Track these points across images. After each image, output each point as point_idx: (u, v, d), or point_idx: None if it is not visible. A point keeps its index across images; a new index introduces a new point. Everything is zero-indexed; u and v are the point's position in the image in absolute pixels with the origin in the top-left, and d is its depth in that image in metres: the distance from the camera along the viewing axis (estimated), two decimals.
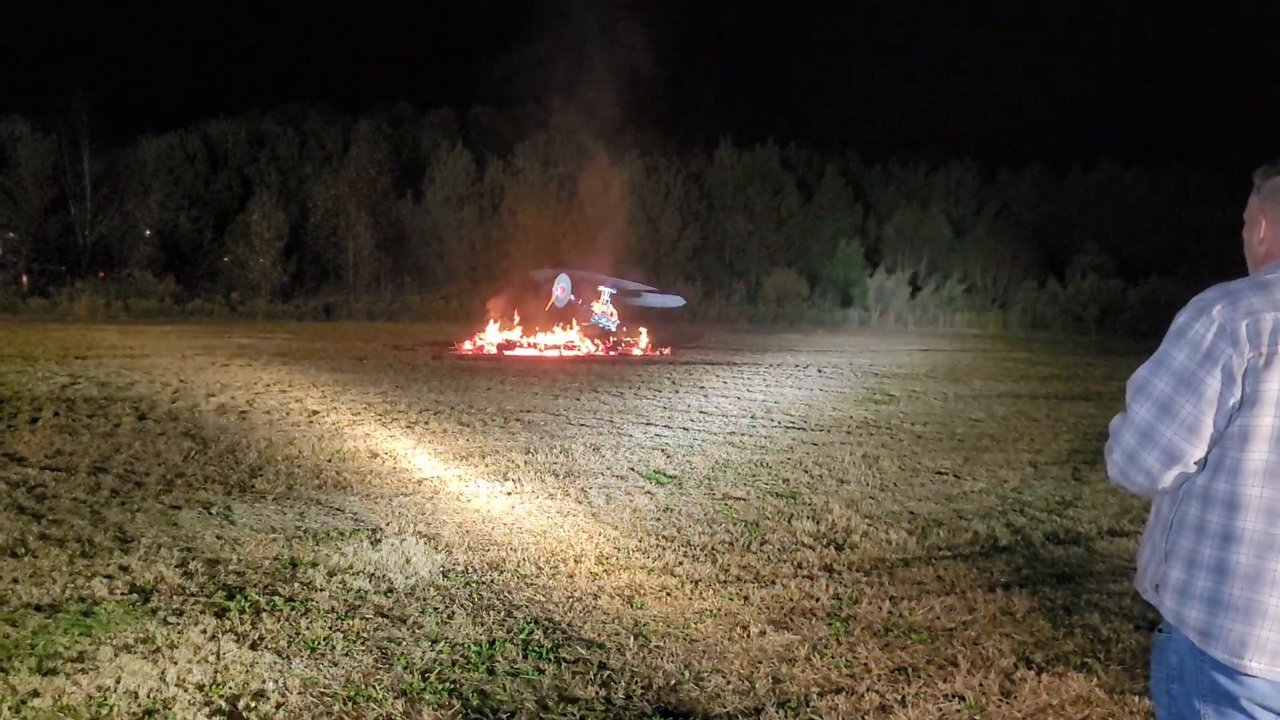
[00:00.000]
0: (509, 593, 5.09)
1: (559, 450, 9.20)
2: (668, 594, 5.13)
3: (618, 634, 4.55)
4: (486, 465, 8.41)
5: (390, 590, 5.07)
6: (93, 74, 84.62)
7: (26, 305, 35.23)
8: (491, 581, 5.27)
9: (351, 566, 5.45)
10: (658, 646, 4.41)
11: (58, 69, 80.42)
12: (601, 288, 24.08)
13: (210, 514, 6.54)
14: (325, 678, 3.96)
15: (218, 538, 5.98)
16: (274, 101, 63.93)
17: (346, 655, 4.19)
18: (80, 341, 21.35)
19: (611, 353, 22.52)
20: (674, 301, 26.31)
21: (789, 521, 6.74)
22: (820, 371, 18.77)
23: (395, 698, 3.81)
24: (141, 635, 4.34)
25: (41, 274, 39.60)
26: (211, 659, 4.11)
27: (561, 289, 23.24)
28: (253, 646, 4.25)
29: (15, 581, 5.00)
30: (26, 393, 12.25)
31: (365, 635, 4.43)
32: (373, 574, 5.32)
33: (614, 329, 23.57)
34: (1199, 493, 2.09)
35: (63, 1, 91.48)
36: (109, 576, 5.12)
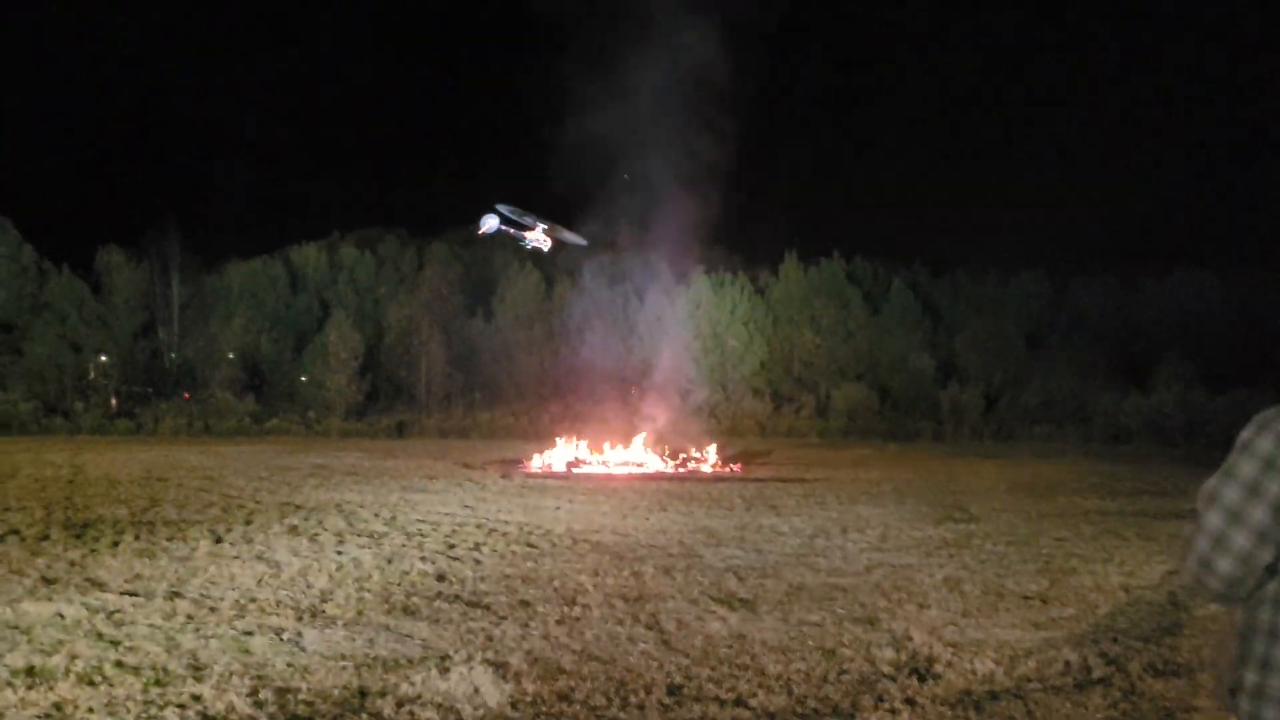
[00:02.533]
0: None
1: (628, 573, 9.05)
2: None
3: None
4: (554, 589, 8.30)
5: None
6: (183, 204, 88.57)
7: (114, 426, 36.28)
8: (560, 713, 5.13)
9: (420, 696, 5.36)
10: None
11: (151, 201, 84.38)
12: (536, 222, 22.97)
13: (281, 640, 6.51)
14: None
15: (288, 665, 5.94)
16: (352, 226, 66.19)
17: None
18: (162, 463, 21.81)
19: (680, 470, 22.36)
20: (579, 240, 25.53)
21: (868, 649, 6.50)
22: (895, 487, 18.40)
23: None
24: None
25: (129, 396, 40.85)
26: None
27: (488, 225, 22.16)
28: None
29: (90, 711, 4.99)
30: (110, 516, 12.48)
31: None
32: (441, 704, 5.22)
33: (544, 248, 22.87)
34: (1271, 597, 2.20)
35: (156, 141, 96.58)
36: (181, 706, 5.09)
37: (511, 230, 22.44)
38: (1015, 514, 14.33)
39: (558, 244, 24.09)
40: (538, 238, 22.47)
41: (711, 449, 24.22)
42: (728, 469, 22.82)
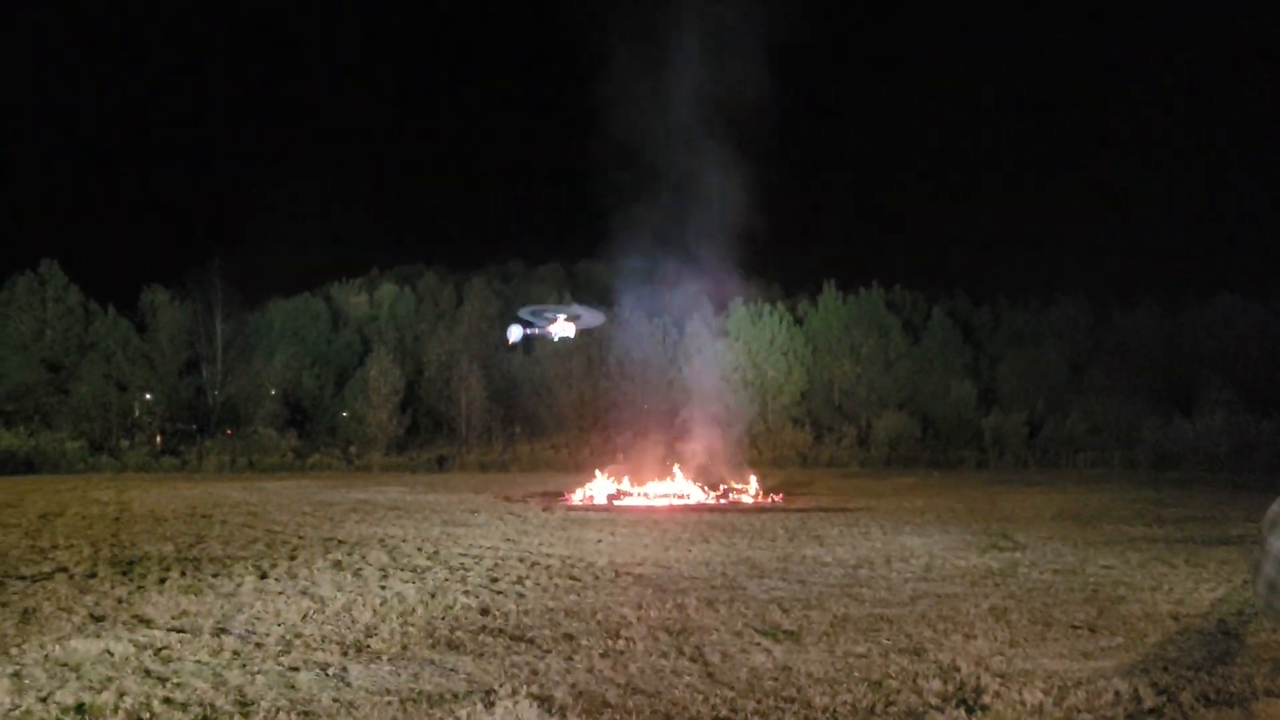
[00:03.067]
0: None
1: (672, 605, 9.02)
2: None
3: None
4: (598, 622, 8.29)
5: None
6: (226, 242, 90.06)
7: (159, 464, 36.76)
8: None
9: None
10: None
11: (194, 240, 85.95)
12: (555, 314, 23.24)
13: (327, 675, 6.55)
14: None
15: (334, 700, 5.97)
16: (392, 263, 66.99)
17: None
18: (206, 499, 22.06)
19: (722, 501, 22.29)
20: (599, 319, 25.86)
21: (915, 680, 6.43)
22: (939, 516, 18.21)
23: None
24: None
25: (174, 433, 41.37)
26: None
27: (514, 335, 22.72)
28: None
29: None
30: (156, 553, 12.64)
31: None
32: None
33: (571, 335, 23.15)
34: None
35: (199, 181, 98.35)
36: None
37: (538, 330, 22.97)
38: (1061, 542, 14.14)
39: (581, 329, 24.50)
40: (561, 329, 22.96)
41: (753, 480, 24.14)
42: (769, 500, 22.71)
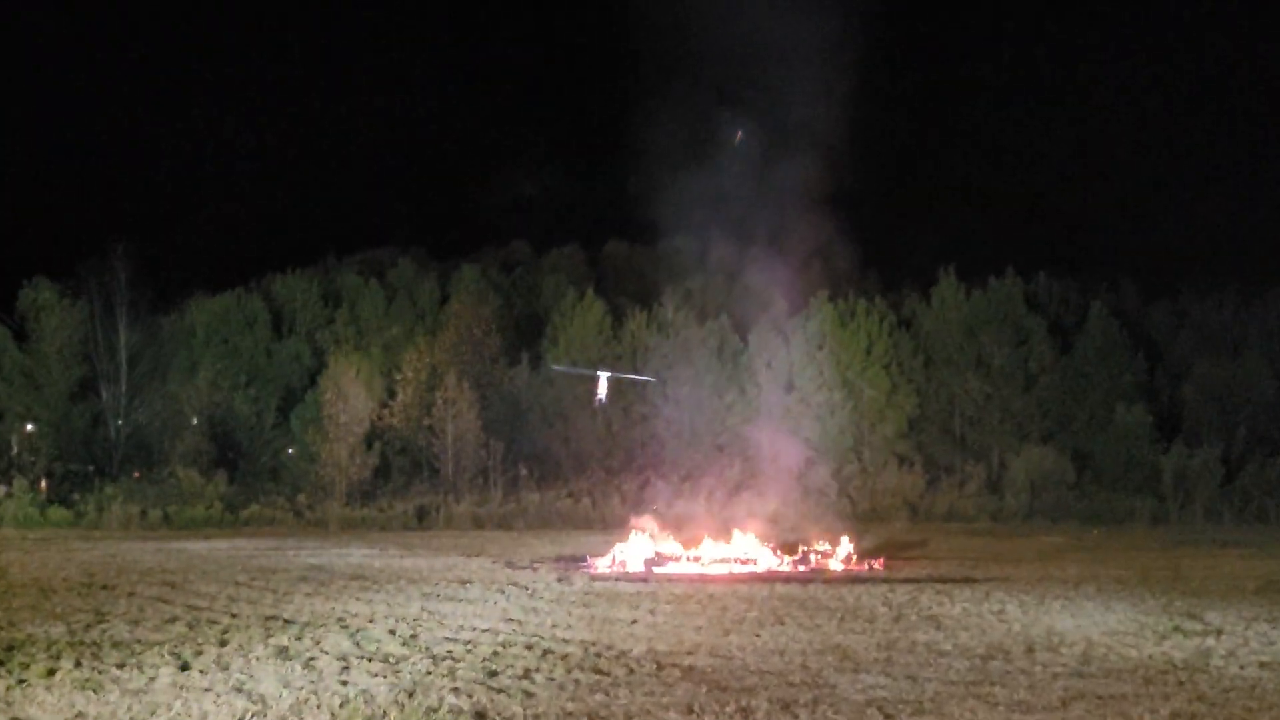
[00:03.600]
0: None
1: (733, 709, 9.02)
2: None
3: None
4: None
5: None
6: (131, 223, 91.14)
7: (45, 517, 37.08)
8: None
9: None
10: None
11: (91, 219, 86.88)
12: (597, 373, 24.60)
13: None
14: None
15: None
16: (353, 247, 67.30)
17: None
18: (108, 564, 22.29)
19: (802, 569, 22.24)
20: (647, 378, 27.12)
21: None
22: (1100, 589, 18.07)
23: None
24: None
25: (65, 476, 41.62)
26: None
27: (599, 397, 24.29)
28: None
29: None
30: (42, 635, 12.78)
31: None
32: None
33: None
34: None
35: (96, 141, 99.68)
36: None
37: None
38: (1270, 624, 13.98)
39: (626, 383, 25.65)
40: (603, 388, 23.98)
41: (844, 540, 24.06)
42: (866, 566, 22.63)
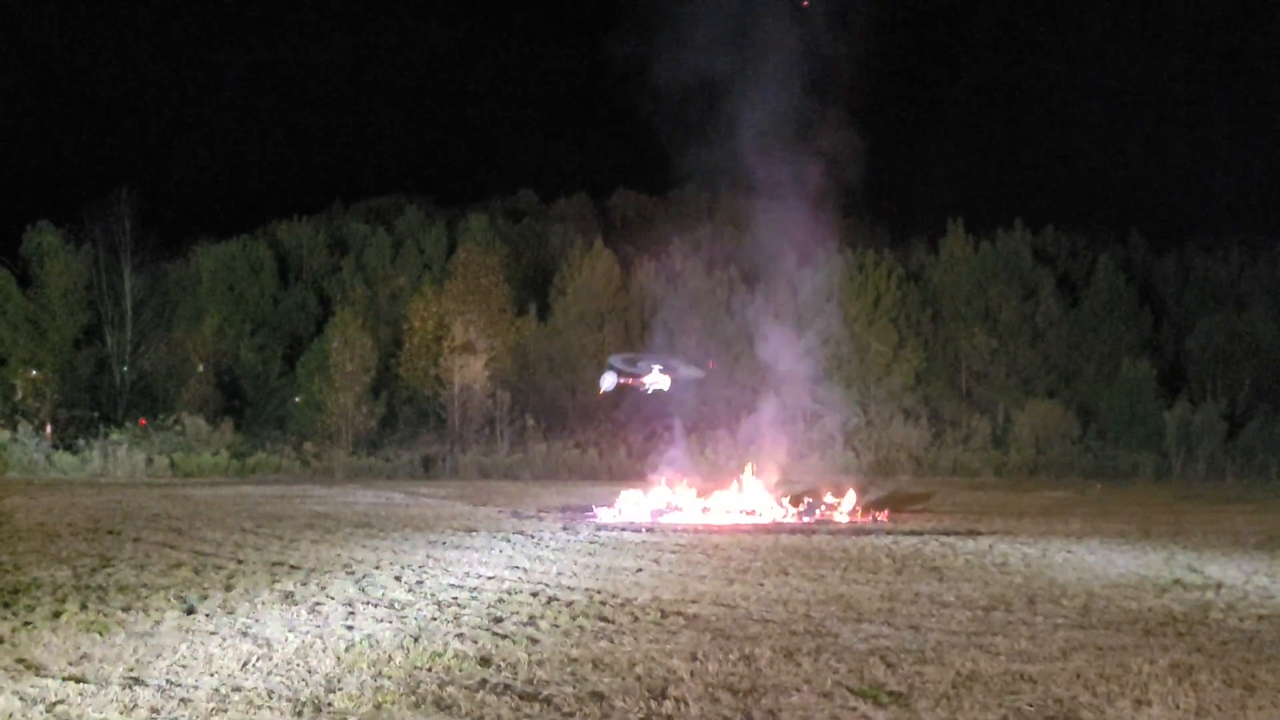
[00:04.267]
0: None
1: (737, 656, 9.07)
2: None
3: None
4: (637, 678, 8.35)
5: None
6: (138, 169, 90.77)
7: (50, 464, 37.21)
8: None
9: None
10: None
11: (97, 164, 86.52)
12: (650, 364, 24.94)
13: None
14: None
15: None
16: (360, 194, 67.09)
17: None
18: (114, 510, 22.40)
19: (807, 520, 22.31)
20: (698, 372, 27.66)
21: None
22: (1102, 543, 18.12)
23: None
24: None
25: (70, 423, 41.69)
26: None
27: (607, 383, 24.81)
28: None
29: None
30: (47, 579, 12.87)
31: None
32: None
33: (665, 388, 25.15)
34: None
35: (100, 83, 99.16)
36: None
37: (630, 380, 24.76)
38: (1270, 578, 14.02)
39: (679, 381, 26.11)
40: (656, 380, 24.41)
41: (849, 492, 24.12)
42: (870, 518, 22.69)
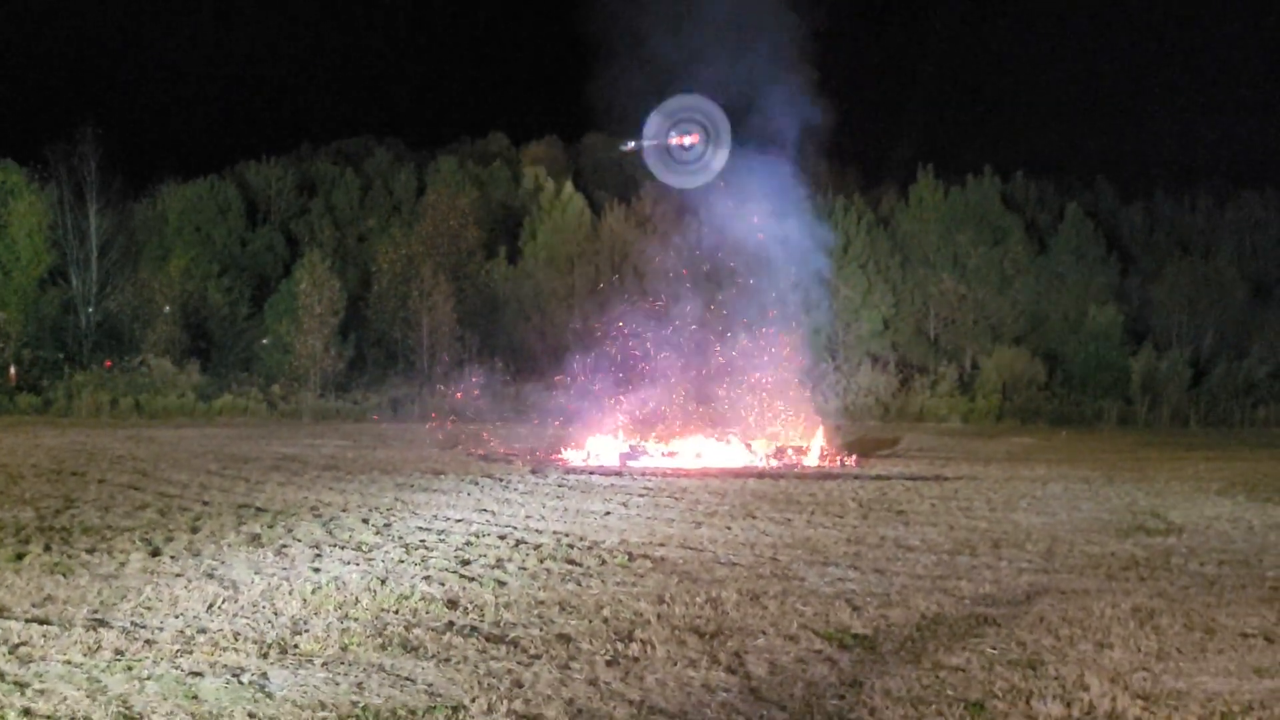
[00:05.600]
0: None
1: (703, 600, 9.10)
2: None
3: None
4: (603, 620, 8.37)
5: None
6: (104, 108, 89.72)
7: (14, 404, 37.01)
8: None
9: None
10: None
11: (61, 102, 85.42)
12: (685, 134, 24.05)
13: (241, 683, 6.64)
14: None
15: (249, 715, 6.06)
16: (329, 135, 66.55)
17: None
18: (78, 452, 22.27)
19: (775, 464, 22.38)
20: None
21: (1027, 701, 6.49)
22: (1067, 488, 18.24)
23: None
24: None
25: (34, 363, 41.44)
26: None
27: (631, 145, 23.72)
28: None
29: None
30: (10, 520, 12.79)
31: None
32: None
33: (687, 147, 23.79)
34: None
35: (65, 21, 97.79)
36: None
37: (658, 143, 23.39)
38: (1231, 524, 14.15)
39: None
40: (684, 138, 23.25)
41: (816, 436, 24.18)
42: (838, 463, 22.77)
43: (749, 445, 23.63)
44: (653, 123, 24.33)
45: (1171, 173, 59.98)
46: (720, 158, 23.60)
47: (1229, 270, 48.50)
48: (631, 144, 23.77)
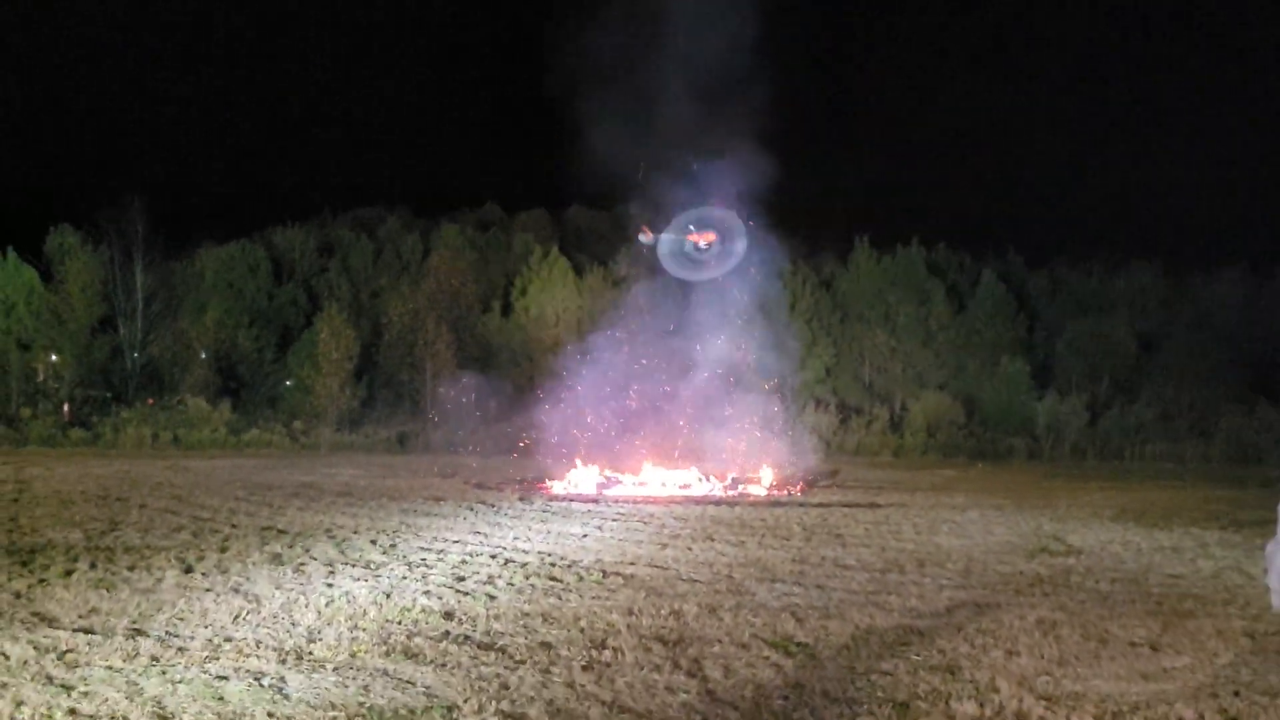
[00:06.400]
0: None
1: (667, 612, 9.08)
2: None
3: None
4: (580, 630, 8.34)
5: None
6: (149, 178, 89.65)
7: (66, 438, 36.74)
8: None
9: None
10: None
11: (112, 173, 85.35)
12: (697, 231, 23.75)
13: (262, 686, 6.59)
14: None
15: (269, 715, 6.02)
16: (346, 205, 66.56)
17: None
18: (123, 480, 22.11)
19: (730, 493, 22.38)
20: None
21: (946, 702, 6.49)
22: (982, 515, 18.28)
23: None
24: None
25: (85, 401, 41.25)
26: None
27: (648, 235, 23.26)
28: None
29: None
30: (61, 541, 12.68)
31: None
32: None
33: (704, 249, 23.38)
34: None
35: (116, 100, 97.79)
36: None
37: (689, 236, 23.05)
38: (1122, 546, 14.20)
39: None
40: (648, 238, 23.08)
41: (766, 469, 24.21)
42: (785, 492, 22.78)
43: (708, 476, 23.64)
44: (674, 224, 24.11)
45: (1071, 244, 60.74)
46: (731, 260, 23.42)
47: (1121, 328, 48.90)
48: (650, 237, 23.47)
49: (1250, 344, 47.61)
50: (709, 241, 23.58)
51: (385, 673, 6.96)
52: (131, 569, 10.69)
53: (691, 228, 23.41)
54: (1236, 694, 6.86)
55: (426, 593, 9.75)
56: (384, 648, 7.61)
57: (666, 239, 23.36)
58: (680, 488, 22.80)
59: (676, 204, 24.25)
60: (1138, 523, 17.42)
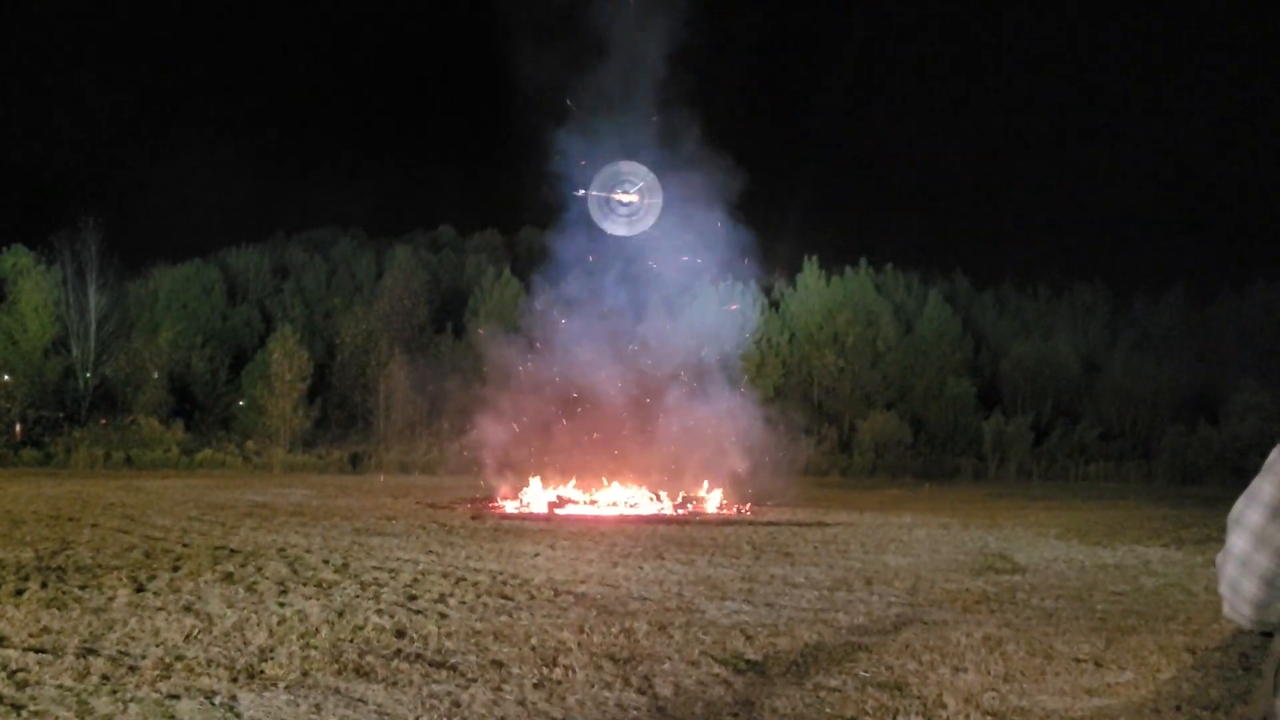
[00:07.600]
0: None
1: (618, 630, 9.07)
2: None
3: None
4: (531, 648, 8.31)
5: None
6: (103, 200, 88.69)
7: (18, 457, 36.20)
8: None
9: None
10: None
11: (66, 195, 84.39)
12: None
13: (213, 705, 6.52)
14: None
15: None
16: (300, 226, 66.23)
17: None
18: (75, 500, 21.79)
19: (680, 512, 22.41)
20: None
21: (894, 718, 6.53)
22: (929, 533, 18.42)
23: None
24: None
25: (37, 421, 40.68)
26: None
27: (580, 192, 23.59)
28: None
29: None
30: (11, 560, 12.47)
31: None
32: None
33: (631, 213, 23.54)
34: None
35: (70, 122, 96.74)
36: None
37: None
38: (1067, 564, 14.36)
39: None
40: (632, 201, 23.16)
41: (715, 489, 24.26)
42: (735, 511, 22.84)
43: (658, 495, 23.66)
44: (601, 177, 24.39)
45: (1017, 267, 61.41)
46: (651, 217, 23.78)
47: (1064, 349, 49.51)
48: (581, 191, 23.87)
49: (1191, 365, 48.37)
50: (631, 199, 23.86)
51: (337, 691, 6.90)
52: (83, 588, 10.53)
53: (617, 187, 23.73)
54: (1178, 708, 6.95)
55: (379, 611, 9.68)
56: (336, 666, 7.55)
57: (595, 194, 23.72)
58: (629, 506, 22.80)
59: (601, 160, 24.51)
60: (1082, 541, 17.61)
